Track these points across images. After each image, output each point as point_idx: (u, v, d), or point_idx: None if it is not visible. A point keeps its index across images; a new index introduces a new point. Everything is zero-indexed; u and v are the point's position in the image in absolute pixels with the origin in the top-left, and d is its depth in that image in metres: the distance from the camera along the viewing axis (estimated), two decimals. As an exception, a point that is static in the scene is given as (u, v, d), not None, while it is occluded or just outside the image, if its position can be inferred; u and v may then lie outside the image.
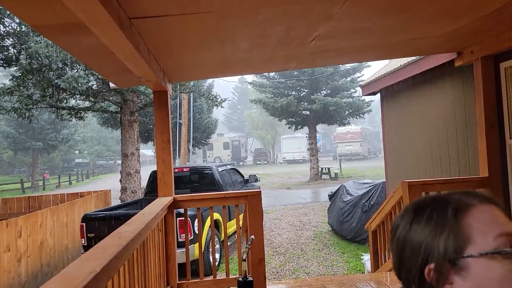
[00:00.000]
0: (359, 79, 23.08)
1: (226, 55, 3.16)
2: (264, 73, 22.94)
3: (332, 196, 9.86)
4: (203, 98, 16.99)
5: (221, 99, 12.89)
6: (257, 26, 2.52)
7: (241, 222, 4.51)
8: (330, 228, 9.71)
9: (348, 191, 9.00)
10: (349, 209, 8.60)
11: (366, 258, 6.34)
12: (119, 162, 44.94)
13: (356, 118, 23.23)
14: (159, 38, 2.54)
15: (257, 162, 45.35)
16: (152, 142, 21.08)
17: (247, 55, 3.15)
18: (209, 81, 22.78)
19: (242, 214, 4.41)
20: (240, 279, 2.71)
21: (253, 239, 3.09)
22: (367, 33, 3.00)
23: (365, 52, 3.74)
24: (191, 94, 16.29)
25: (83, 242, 6.09)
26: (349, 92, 22.80)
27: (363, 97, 21.55)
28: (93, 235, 5.93)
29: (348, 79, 22.96)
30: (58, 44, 2.28)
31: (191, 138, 20.25)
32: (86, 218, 6.11)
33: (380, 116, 7.77)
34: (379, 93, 7.48)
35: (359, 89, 23.16)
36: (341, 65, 22.05)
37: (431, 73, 5.30)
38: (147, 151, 43.82)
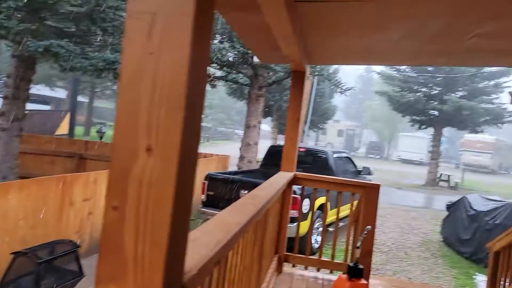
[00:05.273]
0: (504, 84, 20.50)
1: (373, 44, 3.14)
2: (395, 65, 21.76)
3: (451, 206, 9.18)
4: (327, 82, 16.87)
5: (347, 87, 12.67)
6: (416, 17, 2.46)
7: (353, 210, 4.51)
8: (442, 239, 9.08)
9: (471, 205, 8.28)
10: (470, 224, 7.93)
11: (480, 278, 5.85)
12: (237, 131, 47.52)
13: (493, 127, 20.81)
14: (315, 21, 2.65)
15: (370, 155, 43.77)
16: (271, 118, 21.77)
17: (396, 45, 3.09)
18: (335, 66, 22.44)
19: (354, 203, 4.41)
20: (351, 265, 2.77)
21: (369, 229, 3.11)
22: (539, 36, 2.70)
23: (529, 57, 3.37)
24: (316, 77, 16.30)
25: (203, 198, 6.72)
26: (490, 97, 20.46)
27: (507, 105, 19.16)
28: (212, 193, 6.50)
29: (492, 82, 20.56)
30: (225, 19, 2.53)
31: (308, 120, 20.38)
32: (209, 177, 6.71)
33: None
34: (531, 104, 6.63)
35: (502, 95, 20.66)
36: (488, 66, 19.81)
37: None
38: (264, 125, 45.36)
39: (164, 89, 0.78)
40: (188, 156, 0.83)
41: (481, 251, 7.06)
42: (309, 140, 38.07)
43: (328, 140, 43.30)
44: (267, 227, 3.00)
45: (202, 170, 9.20)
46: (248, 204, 2.04)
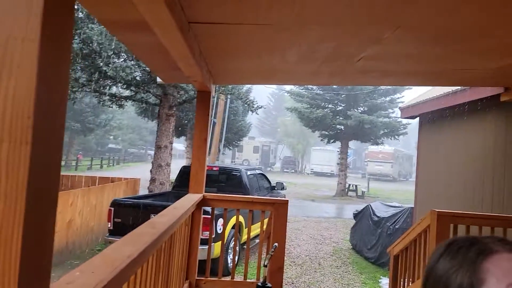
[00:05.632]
0: (398, 100, 22.75)
1: (273, 65, 3.24)
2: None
3: (357, 215, 9.75)
4: (240, 101, 17.18)
5: (258, 106, 12.99)
6: (308, 41, 2.59)
7: (264, 228, 4.57)
8: (351, 247, 9.60)
9: (375, 212, 8.88)
10: (374, 230, 8.49)
11: (384, 281, 6.25)
12: (150, 152, 46.10)
13: (391, 139, 22.84)
14: (213, 43, 2.66)
15: (285, 170, 45.23)
16: (185, 137, 21.49)
17: (294, 67, 3.23)
18: (248, 85, 23.07)
19: (266, 220, 4.47)
20: (260, 284, 2.77)
21: (276, 246, 3.15)
22: (414, 59, 3.01)
23: (409, 77, 3.74)
24: (229, 96, 16.52)
25: (109, 226, 6.32)
26: (387, 112, 22.51)
27: (400, 119, 21.18)
28: (119, 220, 6.14)
29: (387, 98, 22.67)
30: (118, 38, 2.43)
31: (223, 138, 20.49)
32: (115, 203, 6.34)
33: (415, 140, 7.65)
34: (418, 117, 7.37)
35: (397, 110, 22.82)
36: (381, 84, 21.77)
37: (475, 104, 5.20)
38: (178, 145, 44.61)
39: (5, 122, 0.69)
40: (42, 194, 0.74)
41: (385, 255, 7.57)
42: (225, 158, 38.26)
43: (244, 157, 43.95)
44: (173, 253, 2.89)
45: (109, 196, 8.71)
46: (145, 233, 1.94)
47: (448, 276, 0.74)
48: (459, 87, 5.25)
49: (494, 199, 4.85)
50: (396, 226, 7.96)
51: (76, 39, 9.17)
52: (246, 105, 13.52)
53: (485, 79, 3.72)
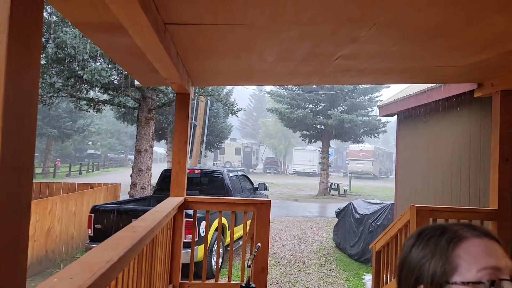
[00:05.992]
0: (377, 99, 23.09)
1: (251, 65, 3.25)
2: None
3: (339, 213, 9.84)
4: (220, 103, 17.15)
5: (238, 108, 12.99)
6: (286, 41, 2.60)
7: (247, 229, 4.56)
8: (334, 245, 9.68)
9: (356, 210, 8.98)
10: (356, 227, 8.58)
11: (368, 278, 6.33)
12: (130, 157, 45.53)
13: (371, 137, 23.16)
14: (189, 44, 2.64)
15: (267, 171, 45.33)
16: (166, 141, 21.30)
17: (272, 67, 3.24)
18: (228, 87, 23.10)
19: (249, 221, 4.47)
20: (243, 284, 2.76)
21: (259, 246, 3.15)
22: (390, 57, 3.06)
23: (386, 75, 3.80)
24: (209, 98, 16.46)
25: (89, 232, 6.21)
26: (366, 110, 22.82)
27: (379, 117, 21.50)
28: (100, 226, 6.04)
29: (366, 97, 22.98)
30: (93, 41, 2.39)
31: (204, 141, 20.40)
32: (95, 210, 6.23)
33: (394, 138, 7.78)
34: (395, 115, 7.49)
35: (376, 108, 23.16)
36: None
37: (450, 101, 5.32)
38: (159, 148, 44.20)
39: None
40: (12, 199, 0.72)
41: (368, 252, 7.67)
42: (207, 161, 38.10)
43: (226, 159, 43.85)
44: (155, 257, 2.85)
45: (89, 202, 8.56)
46: (125, 237, 1.91)
47: (421, 265, 0.76)
48: (435, 84, 5.36)
49: (470, 193, 4.97)
50: (378, 223, 8.07)
51: (50, 43, 8.99)
52: (226, 108, 13.50)
53: (459, 76, 3.81)
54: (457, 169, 5.30)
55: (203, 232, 6.30)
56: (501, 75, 3.69)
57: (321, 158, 23.15)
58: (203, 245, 4.02)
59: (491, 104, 4.07)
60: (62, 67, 9.28)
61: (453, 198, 5.35)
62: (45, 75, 9.60)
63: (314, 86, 22.33)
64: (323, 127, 22.38)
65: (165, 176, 8.26)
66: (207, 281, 4.02)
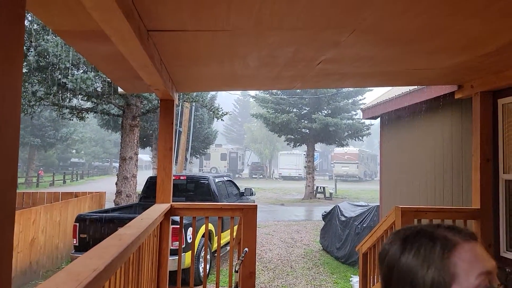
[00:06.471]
0: (360, 102, 23.35)
1: (235, 71, 3.26)
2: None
3: (326, 216, 9.90)
4: (205, 109, 17.11)
5: (223, 112, 12.98)
6: (268, 46, 2.63)
7: (234, 234, 4.56)
8: (322, 248, 9.73)
9: (342, 212, 9.05)
10: (342, 230, 8.64)
11: (355, 280, 6.37)
12: (115, 164, 45.05)
13: (355, 140, 23.38)
14: (173, 50, 2.65)
15: (253, 176, 45.30)
16: (150, 148, 21.13)
17: (255, 72, 3.26)
18: (212, 92, 23.03)
19: (236, 226, 4.47)
20: (231, 290, 2.76)
21: (246, 251, 3.15)
22: (371, 61, 3.11)
23: (368, 78, 3.86)
24: (193, 104, 16.41)
25: (74, 242, 6.11)
26: (350, 114, 23.05)
27: (363, 120, 21.74)
28: (85, 236, 5.96)
29: (350, 101, 23.23)
30: (75, 48, 2.38)
31: (190, 147, 20.30)
32: (80, 219, 6.14)
33: (378, 140, 7.88)
34: (379, 118, 7.60)
35: (360, 111, 23.44)
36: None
37: (431, 103, 5.42)
38: (144, 156, 43.81)
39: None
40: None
41: (354, 254, 7.73)
42: (193, 167, 37.89)
43: (212, 165, 43.70)
44: (142, 265, 2.83)
45: (73, 212, 8.44)
46: (111, 246, 1.90)
47: (415, 273, 0.76)
48: (416, 87, 5.46)
49: (454, 193, 5.06)
50: (364, 225, 8.14)
51: (31, 51, 8.86)
52: (211, 113, 13.48)
53: (439, 78, 3.89)
54: (440, 169, 5.40)
55: (190, 238, 6.26)
56: (480, 77, 3.78)
57: (306, 162, 23.27)
58: (190, 251, 4.00)
59: (472, 105, 4.17)
60: (44, 76, 9.16)
61: (437, 198, 5.44)
62: (27, 84, 9.46)
63: (298, 90, 22.49)
64: (307, 131, 22.53)
65: (151, 183, 8.19)
66: (195, 288, 4.00)
